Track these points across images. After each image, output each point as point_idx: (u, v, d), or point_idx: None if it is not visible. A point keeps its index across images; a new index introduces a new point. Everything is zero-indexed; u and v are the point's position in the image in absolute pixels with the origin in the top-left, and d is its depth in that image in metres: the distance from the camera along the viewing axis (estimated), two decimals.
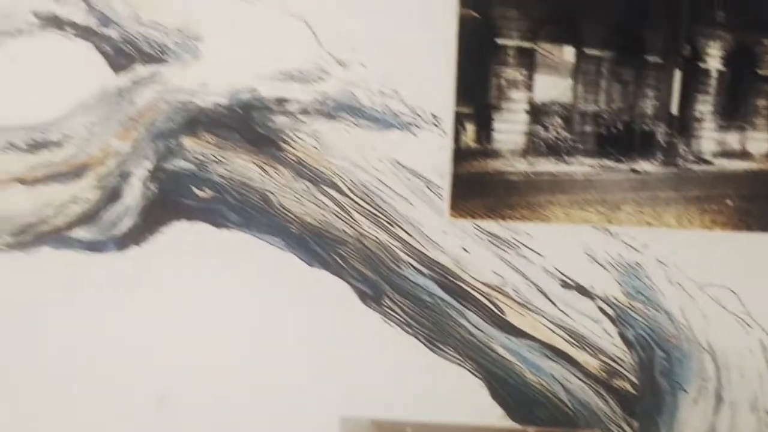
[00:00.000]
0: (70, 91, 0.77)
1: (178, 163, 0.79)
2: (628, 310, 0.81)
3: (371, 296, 0.81)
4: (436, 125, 0.77)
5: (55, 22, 0.76)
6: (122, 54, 0.77)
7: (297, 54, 0.76)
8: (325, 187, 0.79)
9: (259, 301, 0.82)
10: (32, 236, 0.81)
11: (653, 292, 0.80)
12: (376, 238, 0.80)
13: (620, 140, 0.75)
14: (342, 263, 0.80)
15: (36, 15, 0.76)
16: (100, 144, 0.79)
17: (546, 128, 0.76)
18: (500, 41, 0.74)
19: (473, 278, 0.80)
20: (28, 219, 0.80)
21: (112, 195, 0.80)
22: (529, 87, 0.75)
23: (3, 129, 0.78)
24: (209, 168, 0.79)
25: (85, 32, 0.76)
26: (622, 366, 0.82)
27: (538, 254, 0.79)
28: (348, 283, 0.81)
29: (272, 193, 0.80)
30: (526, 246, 0.79)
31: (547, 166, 0.76)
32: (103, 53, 0.77)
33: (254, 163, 0.79)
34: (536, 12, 0.73)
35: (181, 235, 0.80)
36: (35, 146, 0.79)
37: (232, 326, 0.82)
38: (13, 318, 0.82)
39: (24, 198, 0.80)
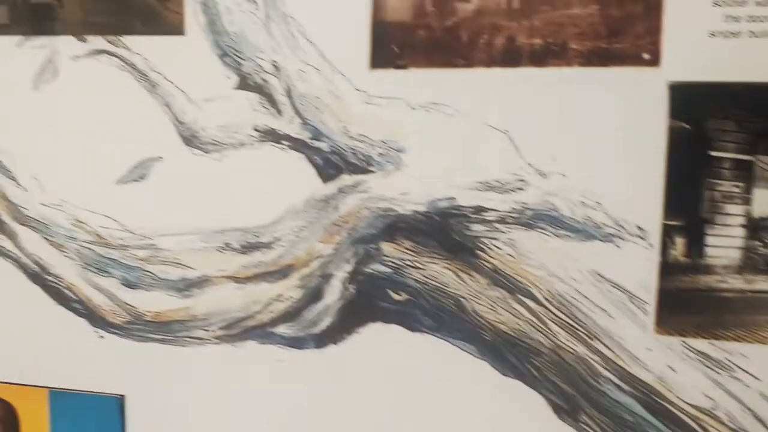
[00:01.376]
0: (282, 197, 0.83)
1: (376, 267, 0.82)
2: None
3: (567, 410, 0.78)
4: (641, 238, 0.74)
5: (272, 135, 0.83)
6: (331, 164, 0.82)
7: (496, 164, 0.77)
8: (521, 296, 0.78)
9: (450, 406, 0.81)
10: (240, 330, 0.87)
11: None
12: (574, 350, 0.77)
13: None
14: (536, 374, 0.78)
15: (256, 129, 0.83)
16: (305, 246, 0.84)
17: (766, 244, 0.70)
18: (714, 153, 0.71)
19: (680, 399, 0.75)
20: (238, 314, 0.86)
21: (314, 295, 0.84)
22: (746, 200, 0.70)
23: (221, 231, 0.86)
24: (405, 272, 0.81)
25: (298, 145, 0.82)
26: None
27: (755, 378, 0.73)
28: (542, 395, 0.78)
29: (466, 299, 0.80)
30: (741, 368, 0.73)
31: (766, 284, 0.71)
32: (314, 164, 0.82)
33: (449, 269, 0.80)
34: (755, 124, 0.69)
35: (377, 336, 0.82)
36: (248, 247, 0.85)
37: (422, 429, 0.83)
38: (219, 406, 0.88)
39: (235, 294, 0.86)
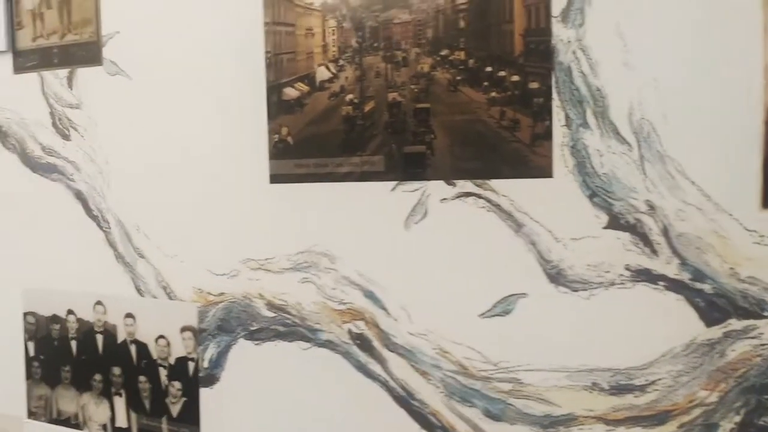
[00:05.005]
0: (658, 340, 0.80)
1: None
2: None
3: None
4: None
5: (647, 275, 0.80)
6: (715, 308, 0.77)
7: None
8: None
9: None
10: None
11: None
12: None
13: None
14: None
15: (628, 269, 0.81)
16: (685, 393, 0.79)
17: None
18: None
19: None
20: None
21: None
22: None
23: (588, 370, 0.84)
24: None
25: (677, 286, 0.79)
26: None
27: None
28: None
29: None
30: None
31: None
32: (695, 306, 0.78)
33: None
34: None
35: None
36: (619, 389, 0.83)
37: None
38: None
39: None
